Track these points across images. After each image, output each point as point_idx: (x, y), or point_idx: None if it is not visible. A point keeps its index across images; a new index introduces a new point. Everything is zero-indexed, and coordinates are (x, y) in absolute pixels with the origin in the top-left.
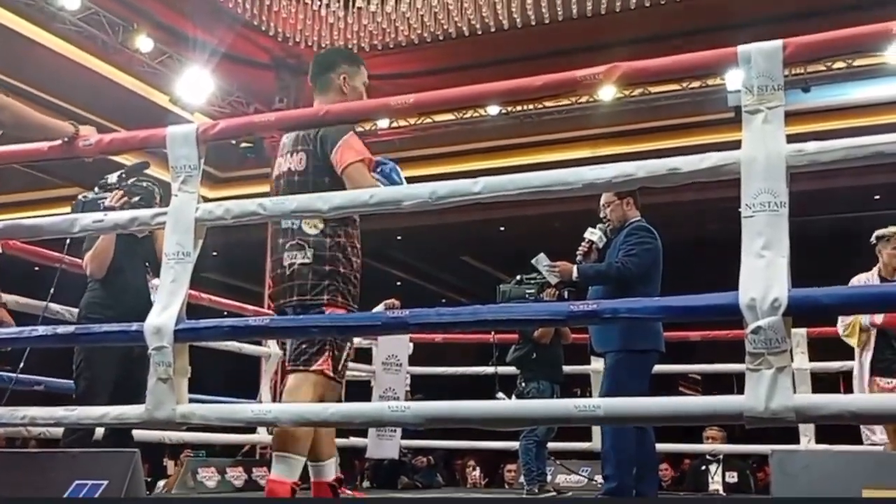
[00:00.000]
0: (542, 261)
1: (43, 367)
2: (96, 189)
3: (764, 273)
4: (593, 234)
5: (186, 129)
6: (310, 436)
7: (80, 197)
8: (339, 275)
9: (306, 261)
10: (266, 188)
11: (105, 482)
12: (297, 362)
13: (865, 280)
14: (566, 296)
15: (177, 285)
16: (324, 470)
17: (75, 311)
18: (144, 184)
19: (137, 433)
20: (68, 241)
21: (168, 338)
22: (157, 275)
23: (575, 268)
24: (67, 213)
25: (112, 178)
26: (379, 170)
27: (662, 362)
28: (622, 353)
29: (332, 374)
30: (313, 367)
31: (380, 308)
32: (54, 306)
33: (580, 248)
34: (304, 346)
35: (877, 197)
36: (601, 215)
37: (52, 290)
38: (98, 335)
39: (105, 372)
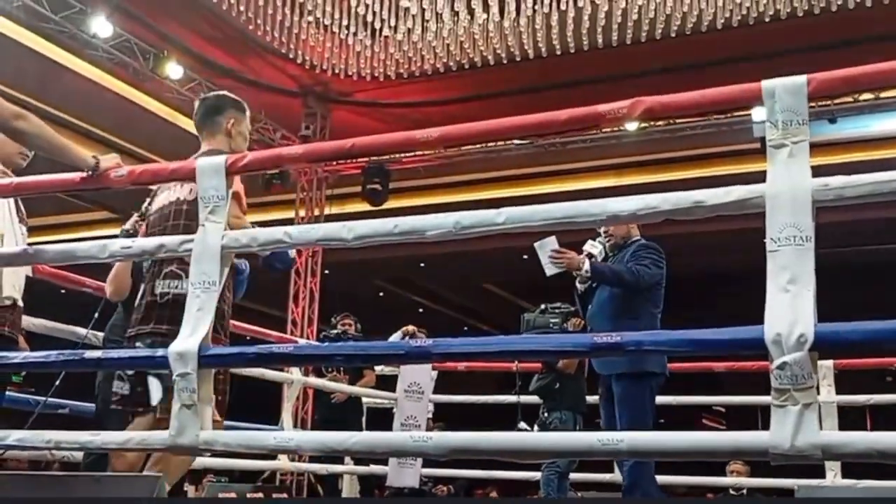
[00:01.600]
0: (546, 245)
1: (68, 391)
2: (136, 216)
3: (790, 308)
4: (594, 248)
5: (215, 160)
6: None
7: (127, 224)
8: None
9: (183, 292)
10: (291, 213)
11: None
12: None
13: None
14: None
15: (203, 313)
16: None
17: (100, 334)
18: None
19: None
20: None
21: (192, 364)
22: None
23: (587, 262)
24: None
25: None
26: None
27: (684, 393)
28: (631, 378)
29: (218, 418)
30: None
31: (397, 335)
32: (81, 331)
33: (579, 258)
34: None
35: None
36: (602, 230)
37: (95, 316)
38: (124, 360)
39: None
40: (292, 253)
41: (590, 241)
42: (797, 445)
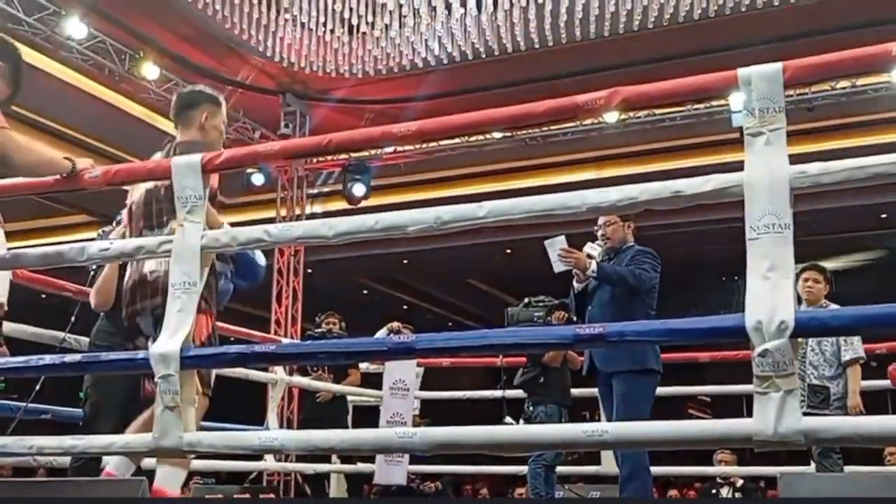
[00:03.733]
0: (556, 244)
1: (50, 396)
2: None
3: (770, 295)
4: (593, 249)
5: (191, 159)
6: None
7: (107, 230)
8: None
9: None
10: (272, 213)
11: None
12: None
13: None
14: (575, 318)
15: (184, 314)
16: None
17: (83, 339)
18: None
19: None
20: (92, 270)
21: (174, 365)
22: None
23: (594, 262)
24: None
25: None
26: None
27: (669, 384)
28: (631, 374)
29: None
30: None
31: (383, 332)
32: (60, 335)
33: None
34: None
35: (883, 216)
36: (599, 233)
37: (72, 320)
38: (105, 363)
39: (113, 395)
40: (261, 261)
41: (589, 244)
42: (780, 431)
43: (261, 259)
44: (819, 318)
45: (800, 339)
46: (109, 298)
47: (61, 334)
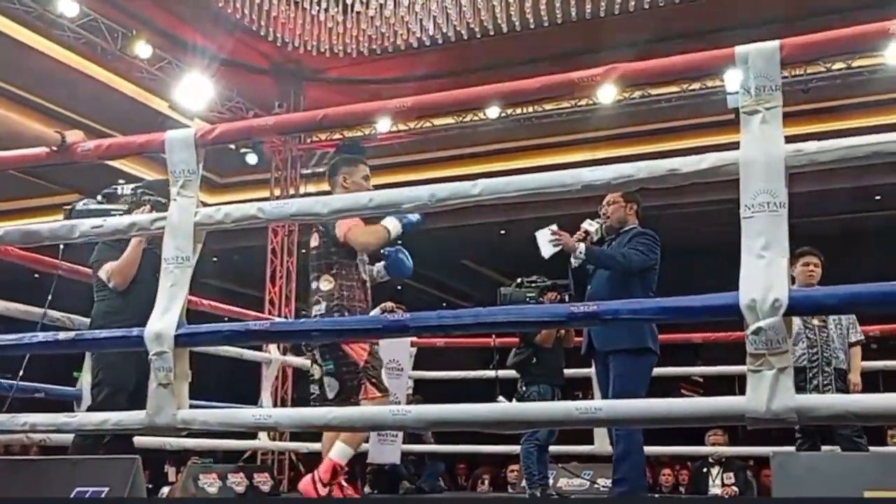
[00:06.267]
0: (542, 236)
1: (43, 375)
2: (100, 197)
3: (764, 273)
4: (591, 226)
5: (185, 133)
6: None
7: (79, 204)
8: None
9: (321, 312)
10: (266, 193)
11: (106, 489)
12: (348, 402)
13: None
14: (567, 298)
15: (177, 289)
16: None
17: (76, 317)
18: (164, 201)
19: (138, 439)
20: (62, 246)
21: (168, 343)
22: None
23: (582, 245)
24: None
25: (126, 189)
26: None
27: (664, 364)
28: (630, 354)
29: (379, 394)
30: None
31: (376, 311)
32: (54, 313)
33: (576, 235)
34: (346, 384)
35: (877, 197)
36: (601, 212)
37: (49, 297)
38: (99, 341)
39: (127, 380)
40: (409, 264)
41: (588, 221)
42: (773, 409)
43: (408, 262)
44: (813, 296)
45: (821, 324)
46: (130, 278)
47: (38, 310)
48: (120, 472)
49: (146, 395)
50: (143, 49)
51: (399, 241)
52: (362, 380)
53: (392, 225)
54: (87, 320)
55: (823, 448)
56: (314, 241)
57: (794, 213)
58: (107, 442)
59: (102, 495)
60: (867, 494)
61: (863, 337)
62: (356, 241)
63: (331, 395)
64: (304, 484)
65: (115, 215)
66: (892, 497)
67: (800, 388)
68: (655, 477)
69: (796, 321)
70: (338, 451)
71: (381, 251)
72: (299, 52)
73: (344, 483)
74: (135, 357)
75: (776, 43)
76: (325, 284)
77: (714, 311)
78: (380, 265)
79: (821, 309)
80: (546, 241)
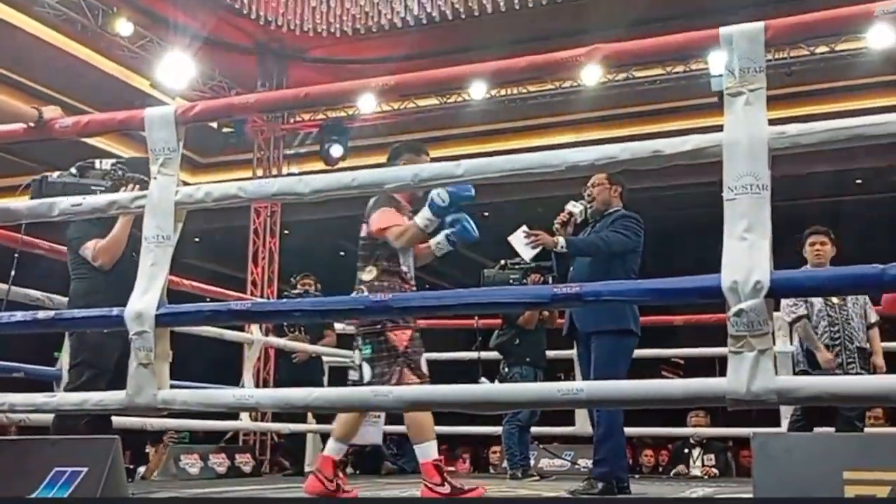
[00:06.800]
0: (518, 234)
1: (23, 354)
2: (73, 170)
3: (746, 255)
4: (575, 207)
5: (165, 110)
6: (429, 420)
7: (52, 176)
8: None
9: None
10: (248, 174)
11: (85, 469)
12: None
13: None
14: (550, 280)
15: (157, 269)
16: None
17: (56, 297)
18: (147, 180)
19: (119, 420)
20: (24, 224)
21: (149, 322)
22: None
23: (561, 238)
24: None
25: (104, 164)
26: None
27: (644, 346)
28: (611, 335)
29: (417, 380)
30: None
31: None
32: (34, 293)
33: (560, 216)
34: (382, 369)
35: (858, 181)
36: (586, 193)
37: (12, 274)
38: (78, 321)
39: (109, 361)
40: (472, 231)
41: (572, 202)
42: (753, 390)
43: (472, 231)
44: (794, 278)
45: (841, 302)
46: (117, 257)
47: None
48: (99, 453)
49: (126, 376)
50: (123, 26)
51: (456, 210)
52: (400, 365)
53: (421, 219)
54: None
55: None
56: (362, 232)
57: (776, 196)
58: (87, 422)
59: (81, 476)
60: (846, 475)
61: (878, 318)
62: (391, 242)
63: (365, 380)
64: (311, 484)
65: (94, 191)
66: (871, 478)
67: (816, 366)
68: (636, 458)
69: (816, 301)
70: (330, 447)
71: (443, 221)
72: (283, 31)
73: (340, 474)
74: (117, 337)
75: (760, 24)
76: (367, 275)
77: (696, 293)
78: (439, 237)
79: (803, 291)
80: (522, 244)
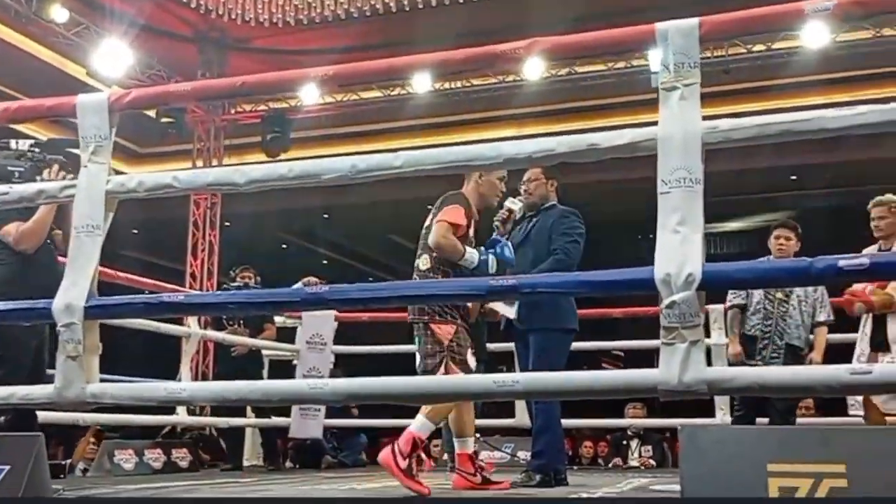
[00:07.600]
0: (502, 307)
1: None
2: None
3: (679, 249)
4: (514, 204)
5: (97, 97)
6: (471, 418)
7: None
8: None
9: None
10: (188, 164)
11: (7, 467)
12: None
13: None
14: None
15: (86, 259)
16: (466, 443)
17: None
18: (68, 162)
19: (50, 415)
20: None
21: (78, 314)
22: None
23: (513, 309)
24: None
25: (22, 144)
26: (492, 248)
27: (584, 338)
28: (550, 332)
29: (461, 373)
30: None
31: (298, 286)
32: None
33: (499, 215)
34: (428, 362)
35: (793, 177)
36: (522, 189)
37: None
38: (3, 313)
39: (28, 356)
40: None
41: (510, 199)
42: (685, 381)
43: (510, 257)
44: (725, 271)
45: (784, 297)
46: (41, 241)
47: None
48: (22, 451)
49: (42, 370)
50: (58, 13)
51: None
52: (445, 358)
53: (469, 255)
54: None
55: (758, 421)
56: (427, 221)
57: (711, 192)
58: (8, 419)
59: (3, 474)
60: (770, 467)
61: (831, 318)
62: (435, 238)
63: (419, 371)
64: (385, 455)
65: (12, 172)
66: (794, 470)
67: (749, 356)
68: (576, 449)
69: (756, 293)
70: (418, 424)
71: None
72: (223, 20)
73: (423, 456)
74: (36, 332)
75: (695, 20)
76: (423, 263)
77: (630, 286)
78: (491, 259)
79: (734, 283)
80: (506, 309)
